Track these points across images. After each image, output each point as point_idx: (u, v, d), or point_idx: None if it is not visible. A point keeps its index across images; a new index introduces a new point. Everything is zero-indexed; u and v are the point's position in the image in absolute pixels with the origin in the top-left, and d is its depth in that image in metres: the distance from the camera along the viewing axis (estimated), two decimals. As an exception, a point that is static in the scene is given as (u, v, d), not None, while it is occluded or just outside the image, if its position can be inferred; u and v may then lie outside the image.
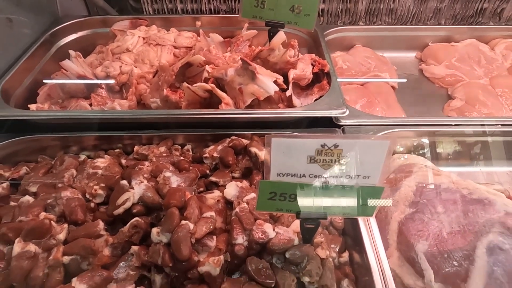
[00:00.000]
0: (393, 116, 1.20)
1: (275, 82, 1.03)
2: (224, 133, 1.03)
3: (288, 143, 0.66)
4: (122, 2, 1.85)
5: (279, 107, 1.12)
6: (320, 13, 1.71)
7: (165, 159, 0.90)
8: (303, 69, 1.10)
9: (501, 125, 1.05)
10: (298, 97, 1.15)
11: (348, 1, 1.67)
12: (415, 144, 1.07)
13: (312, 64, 1.12)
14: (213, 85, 1.01)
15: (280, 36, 1.08)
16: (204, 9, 1.67)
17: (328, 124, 1.05)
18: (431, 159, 1.08)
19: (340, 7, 1.69)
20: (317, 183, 0.68)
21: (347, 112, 1.00)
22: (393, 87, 1.41)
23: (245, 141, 0.98)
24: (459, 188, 0.80)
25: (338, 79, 1.12)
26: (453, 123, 1.06)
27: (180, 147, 1.04)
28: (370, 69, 1.44)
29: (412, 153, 1.06)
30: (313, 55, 1.13)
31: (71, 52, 1.12)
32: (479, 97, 1.27)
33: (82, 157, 1.05)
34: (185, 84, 1.02)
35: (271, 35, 1.11)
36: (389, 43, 1.64)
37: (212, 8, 1.67)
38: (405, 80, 1.45)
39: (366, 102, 1.24)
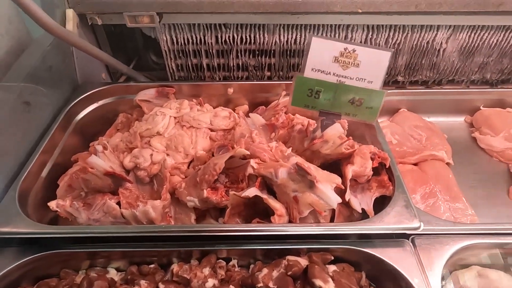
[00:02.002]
0: (461, 213, 1.06)
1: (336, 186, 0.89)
2: (275, 248, 0.89)
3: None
4: (142, 60, 1.76)
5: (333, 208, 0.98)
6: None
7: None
8: (362, 164, 0.96)
9: None
10: (353, 193, 1.01)
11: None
12: (496, 255, 0.93)
13: (371, 158, 0.99)
14: (266, 196, 0.87)
15: (337, 128, 0.95)
16: (232, 64, 1.56)
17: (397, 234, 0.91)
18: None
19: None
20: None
21: (422, 228, 0.86)
22: (448, 164, 1.28)
23: (304, 263, 0.84)
24: None
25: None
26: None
27: (224, 263, 0.90)
28: (422, 141, 1.30)
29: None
30: (372, 147, 1.00)
31: (98, 147, 0.99)
32: (552, 183, 1.13)
33: (111, 272, 0.92)
34: (231, 192, 0.88)
35: (324, 125, 0.98)
36: (435, 106, 1.50)
37: (240, 63, 1.56)
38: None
39: (426, 192, 1.10)
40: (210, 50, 1.52)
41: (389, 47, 1.51)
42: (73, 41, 1.16)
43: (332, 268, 0.85)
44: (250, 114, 1.13)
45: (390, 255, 0.86)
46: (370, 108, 0.92)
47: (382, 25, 1.46)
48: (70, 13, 1.26)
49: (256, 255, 0.92)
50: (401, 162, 1.23)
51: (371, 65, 0.88)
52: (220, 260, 0.90)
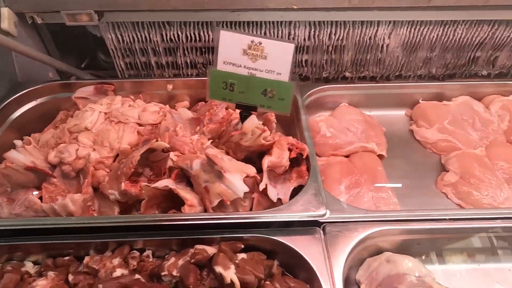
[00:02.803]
0: (383, 202, 1.08)
1: (247, 177, 0.91)
2: (189, 238, 0.91)
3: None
4: (95, 59, 1.77)
5: (253, 198, 1.00)
6: (304, 64, 1.62)
7: (113, 283, 0.77)
8: (279, 155, 0.98)
9: (501, 219, 0.94)
10: (274, 184, 1.03)
11: (333, 52, 1.58)
12: (408, 241, 0.95)
13: (289, 149, 1.01)
14: (174, 187, 0.89)
15: (253, 120, 0.96)
16: (180, 62, 1.57)
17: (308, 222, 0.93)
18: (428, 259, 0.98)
19: (325, 58, 1.60)
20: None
21: (327, 215, 0.88)
22: (381, 155, 1.30)
23: (212, 251, 0.85)
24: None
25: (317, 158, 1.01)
26: (447, 218, 0.95)
27: (138, 253, 0.91)
28: (357, 134, 1.32)
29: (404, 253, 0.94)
30: (290, 138, 1.02)
31: (17, 142, 1.00)
32: (475, 172, 1.15)
33: (28, 265, 0.92)
34: (143, 183, 0.90)
35: (242, 117, 1.00)
36: (377, 100, 1.53)
37: (189, 61, 1.58)
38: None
39: (351, 182, 1.12)
40: (157, 48, 1.53)
41: (333, 44, 1.54)
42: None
43: (241, 256, 0.87)
44: (179, 109, 1.14)
45: (298, 243, 0.88)
46: (282, 99, 0.94)
47: (324, 22, 1.48)
48: (5, 11, 1.27)
49: (172, 246, 0.93)
50: (333, 154, 1.25)
51: (278, 57, 0.90)
52: (134, 251, 0.91)
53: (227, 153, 1.09)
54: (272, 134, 1.14)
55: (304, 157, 1.01)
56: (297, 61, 1.62)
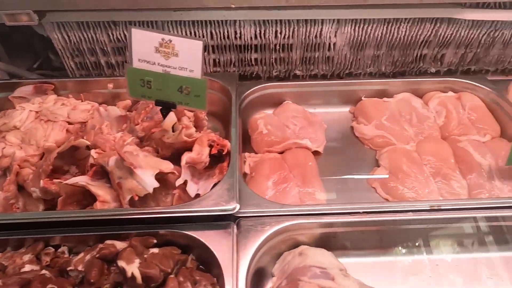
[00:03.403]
0: (309, 198, 1.09)
1: (160, 173, 0.93)
2: (106, 233, 0.92)
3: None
4: (46, 58, 1.77)
5: (174, 194, 1.01)
6: (254, 63, 1.63)
7: (15, 278, 0.78)
8: (199, 152, 1.00)
9: (412, 211, 0.96)
10: (197, 180, 1.04)
11: (280, 50, 1.60)
12: (325, 234, 0.97)
13: (210, 145, 1.02)
14: (84, 183, 0.90)
15: (171, 117, 0.98)
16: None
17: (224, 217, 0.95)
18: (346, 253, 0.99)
19: (274, 56, 1.61)
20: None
21: (237, 209, 0.90)
22: (318, 152, 1.32)
23: (122, 246, 0.87)
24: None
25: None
26: (361, 211, 0.96)
27: (53, 249, 0.92)
28: (295, 131, 1.34)
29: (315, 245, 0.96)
30: (212, 135, 1.03)
31: None
32: (402, 167, 1.17)
33: None
34: (57, 180, 0.91)
35: (164, 114, 1.01)
36: (322, 97, 1.55)
37: (140, 61, 1.59)
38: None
39: (280, 177, 1.14)
40: (105, 48, 1.54)
41: (280, 42, 1.56)
42: None
43: (152, 250, 0.88)
44: (109, 107, 1.16)
45: (209, 237, 0.90)
46: (197, 96, 0.96)
47: (268, 21, 1.50)
48: None
49: (89, 242, 0.94)
50: (268, 150, 1.26)
51: (189, 54, 0.91)
52: (48, 247, 0.92)
53: (157, 151, 1.11)
54: (203, 132, 1.16)
55: (224, 153, 1.03)
56: (246, 60, 1.64)
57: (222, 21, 1.48)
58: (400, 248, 1.00)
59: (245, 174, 1.21)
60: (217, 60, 1.63)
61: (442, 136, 1.34)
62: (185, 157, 0.98)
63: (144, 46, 0.91)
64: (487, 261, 0.99)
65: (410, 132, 1.33)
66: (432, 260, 0.99)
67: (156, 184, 0.89)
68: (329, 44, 1.60)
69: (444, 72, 1.73)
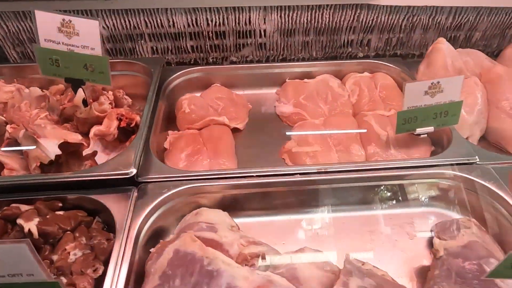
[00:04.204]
0: (218, 168, 1.19)
1: (72, 145, 1.01)
2: (14, 199, 0.99)
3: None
4: None
5: (86, 164, 1.09)
6: (190, 51, 1.72)
7: None
8: (107, 125, 1.09)
9: (300, 174, 1.06)
10: (110, 152, 1.13)
11: (214, 37, 1.68)
12: (224, 197, 1.06)
13: (119, 119, 1.11)
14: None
15: (80, 93, 1.07)
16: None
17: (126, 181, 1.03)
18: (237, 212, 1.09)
19: (208, 43, 1.70)
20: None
21: (134, 172, 0.99)
22: (238, 129, 1.42)
23: (26, 209, 0.95)
24: (204, 256, 0.79)
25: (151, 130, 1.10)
26: (254, 174, 1.06)
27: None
28: (218, 110, 1.44)
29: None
30: (122, 110, 1.12)
31: None
32: (308, 138, 1.28)
33: None
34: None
35: (75, 90, 1.09)
36: (251, 80, 1.64)
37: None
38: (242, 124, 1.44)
39: (193, 150, 1.23)
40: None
41: (211, 30, 1.65)
42: None
43: (58, 213, 0.96)
44: (31, 88, 1.24)
45: (110, 201, 0.98)
46: (102, 73, 1.04)
47: (198, 8, 1.59)
48: None
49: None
50: (188, 127, 1.35)
51: (88, 33, 1.00)
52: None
53: (77, 128, 1.19)
54: (126, 109, 1.24)
55: (132, 125, 1.11)
56: (182, 47, 1.73)
57: (154, 9, 1.57)
58: (293, 208, 1.10)
59: (166, 150, 1.31)
60: (154, 48, 1.71)
61: (354, 112, 1.45)
62: (94, 130, 1.07)
63: (48, 26, 1.00)
64: (369, 217, 1.10)
65: (324, 109, 1.44)
66: (321, 218, 1.10)
67: (58, 152, 0.97)
68: (260, 31, 1.70)
69: (373, 57, 1.84)
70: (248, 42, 1.73)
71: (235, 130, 1.42)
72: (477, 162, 1.10)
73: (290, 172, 1.06)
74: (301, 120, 1.41)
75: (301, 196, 1.09)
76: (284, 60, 1.83)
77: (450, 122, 1.19)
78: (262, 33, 1.70)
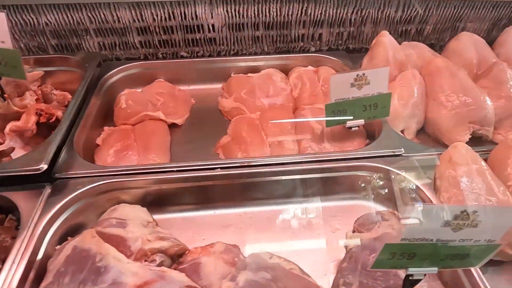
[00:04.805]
0: (146, 162, 1.17)
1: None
2: None
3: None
4: None
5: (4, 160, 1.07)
6: (138, 46, 1.69)
7: None
8: (26, 120, 1.06)
9: (221, 168, 1.05)
10: (31, 149, 1.10)
11: (162, 32, 1.66)
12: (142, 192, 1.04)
13: (39, 114, 1.09)
14: None
15: (-5, 88, 1.04)
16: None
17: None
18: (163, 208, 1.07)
19: (157, 38, 1.68)
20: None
21: (44, 168, 0.96)
22: (176, 124, 1.40)
23: None
24: (97, 253, 0.77)
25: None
26: (175, 169, 1.04)
27: None
28: (157, 106, 1.41)
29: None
30: (42, 105, 1.10)
31: None
32: (242, 133, 1.26)
33: None
34: None
35: None
36: (197, 75, 1.63)
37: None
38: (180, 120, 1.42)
39: (123, 146, 1.21)
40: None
41: (158, 24, 1.63)
42: None
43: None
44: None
45: (21, 198, 0.96)
46: (15, 66, 1.02)
47: (142, 3, 1.56)
48: None
49: None
50: (123, 123, 1.33)
51: (-1, 26, 0.98)
52: None
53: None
54: (54, 105, 1.22)
55: (52, 121, 1.09)
56: (130, 42, 1.70)
57: (96, 4, 1.54)
58: (215, 203, 1.08)
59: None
60: (101, 43, 1.68)
61: (296, 106, 1.44)
62: (9, 125, 1.04)
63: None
64: (295, 211, 1.08)
65: (264, 104, 1.42)
66: (246, 212, 1.08)
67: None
68: (208, 25, 1.67)
69: (326, 51, 1.83)
70: (197, 37, 1.71)
71: (173, 126, 1.40)
72: (403, 154, 1.10)
73: (212, 166, 1.05)
74: (239, 114, 1.39)
75: (226, 191, 1.08)
76: (236, 54, 1.81)
77: (381, 114, 1.18)
78: (211, 28, 1.68)
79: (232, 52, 1.79)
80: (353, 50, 1.83)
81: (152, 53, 1.74)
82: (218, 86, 1.63)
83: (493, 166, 1.05)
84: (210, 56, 1.80)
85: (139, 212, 0.99)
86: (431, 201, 0.95)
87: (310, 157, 1.09)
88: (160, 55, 1.74)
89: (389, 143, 1.12)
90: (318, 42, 1.80)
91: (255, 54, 1.81)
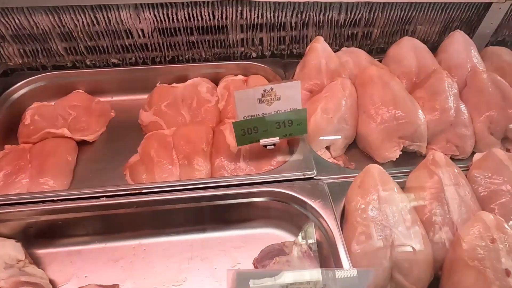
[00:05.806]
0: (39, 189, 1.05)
1: None
2: None
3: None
4: None
5: None
6: (63, 53, 1.57)
7: None
8: None
9: (106, 196, 0.94)
10: None
11: (87, 38, 1.53)
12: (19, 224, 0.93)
13: None
14: None
15: None
16: None
17: None
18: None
19: (82, 45, 1.55)
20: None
21: None
22: (87, 141, 1.28)
23: None
24: None
25: None
26: (55, 199, 0.93)
27: None
28: (67, 120, 1.29)
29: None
30: None
31: None
32: (150, 152, 1.14)
33: None
34: None
35: None
36: (121, 85, 1.50)
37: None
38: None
39: (14, 169, 1.09)
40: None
41: (80, 30, 1.50)
42: None
43: None
44: None
45: None
46: None
47: (59, 7, 1.43)
48: None
49: None
50: (25, 141, 1.21)
51: None
52: None
53: None
54: None
55: None
56: (53, 49, 1.55)
57: (7, 9, 1.41)
58: (106, 234, 0.97)
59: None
60: (22, 51, 1.56)
61: (221, 119, 1.33)
62: None
63: None
64: (195, 242, 0.98)
65: (186, 117, 1.31)
66: (140, 244, 0.97)
67: None
68: (137, 30, 1.55)
69: (270, 56, 1.72)
70: (127, 43, 1.59)
71: (85, 143, 1.29)
72: (315, 177, 0.99)
73: (96, 194, 0.93)
74: (157, 129, 1.28)
75: (118, 221, 0.97)
76: (172, 60, 1.70)
77: (297, 131, 1.08)
78: (140, 33, 1.56)
79: (168, 59, 1.67)
80: (298, 55, 1.73)
81: (80, 60, 1.61)
82: (144, 97, 1.51)
83: (411, 190, 0.95)
84: (144, 63, 1.68)
85: (8, 249, 0.87)
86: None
87: (203, 183, 0.98)
88: (89, 62, 1.62)
89: (301, 164, 1.02)
90: (259, 47, 1.69)
91: (193, 60, 1.70)
